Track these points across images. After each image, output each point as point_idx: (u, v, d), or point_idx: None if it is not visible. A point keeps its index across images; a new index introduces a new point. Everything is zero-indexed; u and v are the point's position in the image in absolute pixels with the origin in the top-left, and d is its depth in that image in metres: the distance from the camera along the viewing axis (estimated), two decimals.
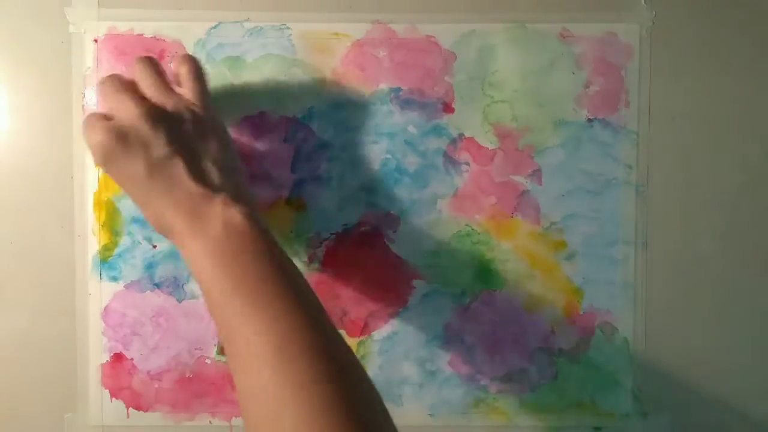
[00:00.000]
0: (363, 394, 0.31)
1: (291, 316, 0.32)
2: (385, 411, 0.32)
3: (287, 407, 0.29)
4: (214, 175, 0.36)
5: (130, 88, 0.37)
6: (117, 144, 0.35)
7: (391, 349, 0.44)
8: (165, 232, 0.36)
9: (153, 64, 0.38)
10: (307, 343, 0.31)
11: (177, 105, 0.37)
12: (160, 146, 0.35)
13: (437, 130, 0.44)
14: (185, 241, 0.34)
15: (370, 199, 0.44)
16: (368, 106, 0.44)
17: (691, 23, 0.44)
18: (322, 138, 0.44)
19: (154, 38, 0.43)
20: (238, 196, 0.36)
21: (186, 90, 0.38)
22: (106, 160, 0.35)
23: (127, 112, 0.35)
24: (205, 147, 0.37)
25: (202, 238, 0.34)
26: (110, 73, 0.38)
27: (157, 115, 0.35)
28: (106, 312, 0.44)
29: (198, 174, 0.35)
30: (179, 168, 0.35)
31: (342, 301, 0.44)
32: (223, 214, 0.34)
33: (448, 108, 0.44)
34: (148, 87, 0.37)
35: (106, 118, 0.36)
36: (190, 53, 0.42)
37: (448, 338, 0.45)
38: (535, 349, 0.45)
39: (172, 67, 0.40)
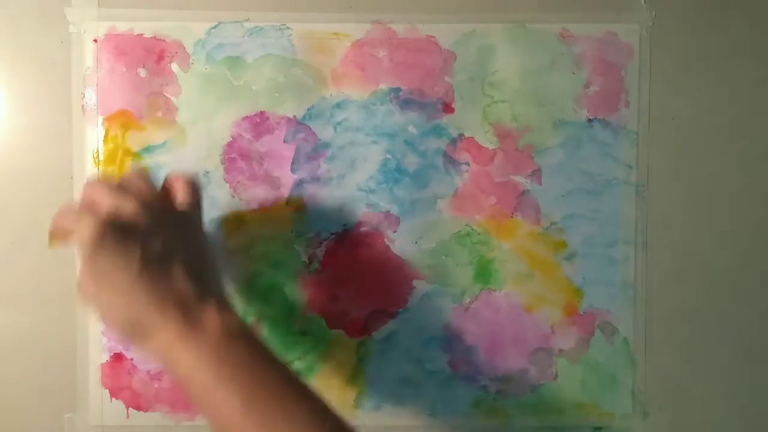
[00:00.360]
0: None
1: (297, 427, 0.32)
2: None
3: None
4: (206, 277, 0.36)
5: (126, 190, 0.36)
6: (112, 231, 0.33)
7: (391, 349, 0.44)
8: (139, 333, 0.34)
9: (145, 174, 0.37)
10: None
11: (174, 214, 0.36)
12: (158, 247, 0.34)
13: (437, 130, 0.44)
14: (172, 343, 0.33)
15: (370, 199, 0.44)
16: (368, 106, 0.44)
17: (691, 23, 0.44)
18: (322, 138, 0.44)
19: (154, 38, 0.43)
20: (226, 300, 0.36)
21: (180, 198, 0.37)
22: (96, 248, 0.33)
23: (129, 209, 0.34)
24: (199, 254, 0.36)
25: (195, 341, 0.33)
26: (98, 176, 0.37)
27: (158, 219, 0.35)
28: None
29: (192, 277, 0.34)
30: (176, 268, 0.34)
31: (342, 301, 0.44)
32: (220, 318, 0.34)
33: (448, 108, 0.44)
34: (146, 194, 0.36)
35: (97, 211, 0.34)
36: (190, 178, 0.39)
37: (448, 338, 0.45)
38: (535, 349, 0.45)
39: (168, 182, 0.38)
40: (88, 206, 0.35)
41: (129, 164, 0.44)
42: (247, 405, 0.32)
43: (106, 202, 0.35)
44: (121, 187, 0.35)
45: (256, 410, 0.32)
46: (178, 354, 0.33)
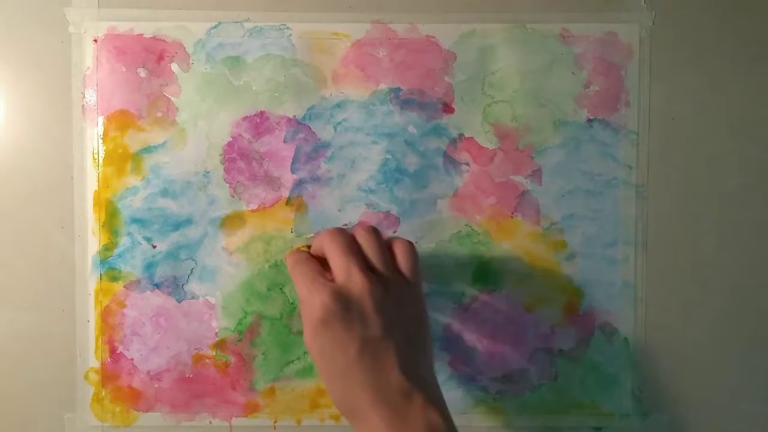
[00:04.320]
0: None
1: None
2: None
3: None
4: (420, 367, 0.35)
5: (358, 254, 0.36)
6: (340, 310, 0.33)
7: None
8: (350, 414, 0.34)
9: (378, 235, 0.37)
10: None
11: (397, 286, 0.36)
12: (378, 328, 0.34)
13: (437, 130, 0.44)
14: None
15: (370, 199, 0.44)
16: (368, 106, 0.44)
17: (691, 23, 0.44)
18: (322, 138, 0.44)
19: (154, 38, 0.43)
20: (436, 395, 0.34)
21: (403, 267, 0.37)
22: (324, 322, 0.33)
23: (358, 284, 0.34)
24: (415, 334, 0.36)
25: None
26: (337, 228, 0.37)
27: (382, 297, 0.34)
28: (105, 312, 0.44)
29: (405, 365, 0.34)
30: (390, 354, 0.34)
31: None
32: (425, 416, 0.32)
33: (448, 108, 0.44)
34: (375, 258, 0.36)
35: (329, 279, 0.35)
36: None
37: (448, 338, 0.45)
38: (535, 349, 0.45)
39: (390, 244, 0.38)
40: (317, 256, 0.36)
41: (129, 165, 0.44)
42: None
43: (337, 264, 0.35)
44: (353, 248, 0.35)
45: None
46: None
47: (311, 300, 0.34)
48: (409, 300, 0.36)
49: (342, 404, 0.34)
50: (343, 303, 0.34)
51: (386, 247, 0.37)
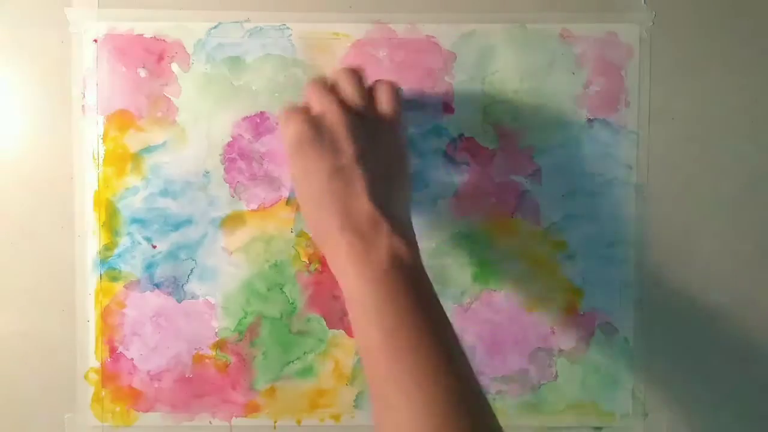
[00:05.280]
0: None
1: (443, 377, 0.31)
2: None
3: None
4: (392, 201, 0.36)
5: (335, 91, 0.37)
6: (313, 135, 0.35)
7: None
8: (322, 242, 0.36)
9: (356, 75, 0.38)
10: (458, 412, 0.30)
11: (375, 122, 0.37)
12: (349, 156, 0.35)
13: (437, 130, 0.44)
14: (345, 262, 0.34)
15: None
16: None
17: (691, 23, 0.44)
18: None
19: (154, 38, 0.43)
20: (404, 227, 0.35)
21: (383, 106, 0.38)
22: (297, 147, 0.35)
23: (331, 113, 0.36)
24: (389, 169, 0.37)
25: (363, 263, 0.33)
26: (319, 76, 0.39)
27: (355, 127, 0.36)
28: (105, 312, 0.44)
29: (374, 194, 0.35)
30: (360, 182, 0.35)
31: (342, 301, 0.44)
32: (389, 243, 0.34)
33: (448, 108, 0.44)
34: (351, 95, 0.37)
35: (306, 111, 0.37)
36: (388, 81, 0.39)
37: None
38: (535, 349, 0.45)
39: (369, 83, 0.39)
40: (303, 105, 0.37)
41: (129, 165, 0.44)
42: (385, 337, 0.32)
43: (315, 102, 0.37)
44: (331, 89, 0.37)
45: (391, 345, 0.32)
46: (344, 269, 0.34)
47: (287, 128, 0.36)
48: (386, 137, 0.37)
49: (315, 231, 0.36)
50: (316, 129, 0.35)
51: (366, 87, 0.38)
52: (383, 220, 0.34)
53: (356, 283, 0.33)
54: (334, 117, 0.36)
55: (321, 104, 0.36)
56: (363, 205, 0.34)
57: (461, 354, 0.33)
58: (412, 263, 0.34)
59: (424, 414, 0.30)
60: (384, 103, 0.38)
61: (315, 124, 0.36)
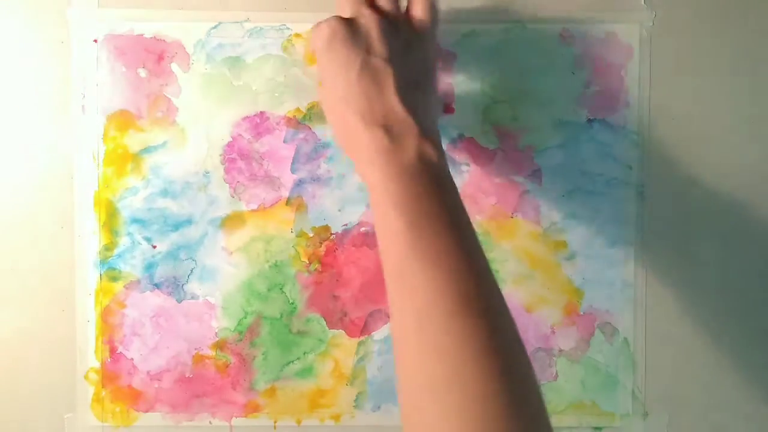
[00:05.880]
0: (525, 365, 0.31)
1: (463, 260, 0.31)
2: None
3: (467, 368, 0.29)
4: (418, 105, 0.35)
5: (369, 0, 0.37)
6: (345, 32, 0.35)
7: (391, 350, 0.44)
8: (346, 140, 0.36)
9: None
10: (478, 310, 0.30)
11: (408, 31, 0.37)
12: (380, 54, 0.35)
13: None
14: (373, 154, 0.34)
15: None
16: None
17: (691, 23, 0.44)
18: (322, 138, 0.44)
19: (154, 38, 0.43)
20: (433, 134, 0.35)
21: (418, 16, 0.37)
22: (328, 44, 0.35)
23: (364, 17, 0.36)
24: (419, 74, 0.37)
25: (391, 156, 0.33)
26: None
27: (389, 32, 0.36)
28: (105, 312, 0.44)
29: (404, 95, 0.35)
30: (389, 81, 0.35)
31: (342, 301, 0.44)
32: (419, 144, 0.34)
33: (448, 108, 0.44)
34: (385, 3, 0.37)
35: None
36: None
37: None
38: (535, 349, 0.45)
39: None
40: (336, 11, 0.37)
41: (129, 165, 0.44)
42: (407, 223, 0.32)
43: (347, 7, 0.36)
44: (365, 1, 0.37)
45: (413, 232, 0.32)
46: (371, 166, 0.34)
47: (318, 29, 0.36)
48: (417, 46, 0.37)
49: (341, 132, 0.36)
50: (350, 27, 0.35)
51: (398, 3, 0.38)
52: (413, 121, 0.34)
53: (382, 173, 0.33)
54: (367, 20, 0.36)
55: (353, 9, 0.36)
56: (393, 103, 0.35)
57: (481, 251, 0.33)
58: (441, 166, 0.34)
59: (441, 292, 0.30)
60: (419, 13, 0.37)
61: (348, 24, 0.35)
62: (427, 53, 0.38)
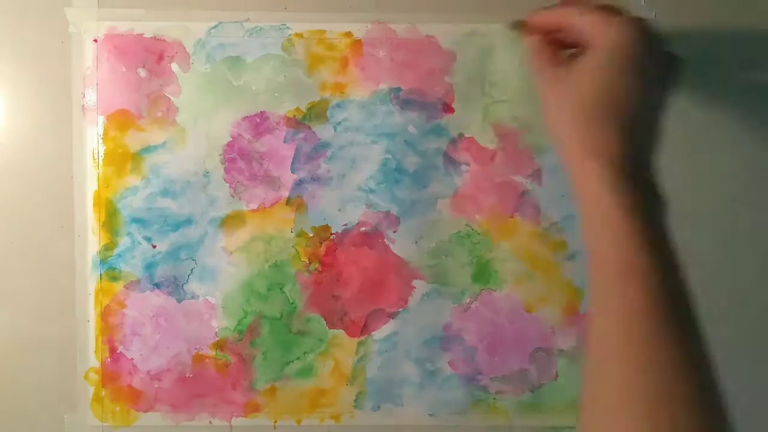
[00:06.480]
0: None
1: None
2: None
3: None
4: (650, 144, 0.35)
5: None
6: (645, 47, 0.34)
7: (391, 349, 0.44)
8: (583, 145, 0.34)
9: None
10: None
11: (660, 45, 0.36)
12: (658, 88, 0.35)
13: (437, 130, 0.44)
14: (626, 181, 0.33)
15: (370, 199, 0.44)
16: (368, 106, 0.44)
17: (691, 23, 0.44)
18: (322, 138, 0.44)
19: (154, 38, 0.43)
20: (652, 173, 0.35)
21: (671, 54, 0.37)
22: (632, 49, 0.34)
23: (639, 25, 0.34)
24: (656, 106, 0.36)
25: (652, 191, 0.34)
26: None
27: (656, 47, 0.35)
28: (105, 312, 0.44)
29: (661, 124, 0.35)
30: (663, 103, 0.35)
31: (342, 301, 0.44)
32: (649, 184, 0.34)
33: (448, 108, 0.44)
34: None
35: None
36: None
37: (448, 338, 0.45)
38: (535, 349, 0.45)
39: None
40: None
41: (129, 165, 0.44)
42: (642, 261, 0.32)
43: (602, 20, 0.35)
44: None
45: (642, 267, 0.32)
46: (621, 185, 0.33)
47: (626, 25, 0.34)
48: (662, 74, 0.36)
49: (586, 133, 0.34)
50: (648, 43, 0.34)
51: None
52: (645, 160, 0.34)
53: (636, 201, 0.33)
54: (644, 32, 0.34)
55: (635, 27, 0.34)
56: (658, 130, 0.35)
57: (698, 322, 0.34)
58: (665, 211, 0.34)
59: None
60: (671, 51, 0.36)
61: (648, 38, 0.34)
62: (670, 81, 0.37)
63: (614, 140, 0.33)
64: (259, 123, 0.44)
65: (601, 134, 0.34)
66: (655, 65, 0.34)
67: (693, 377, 0.30)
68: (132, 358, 0.44)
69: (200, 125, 0.44)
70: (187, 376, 0.44)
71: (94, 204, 0.44)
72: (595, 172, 0.33)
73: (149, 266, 0.44)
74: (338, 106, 0.44)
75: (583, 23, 0.35)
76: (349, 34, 0.44)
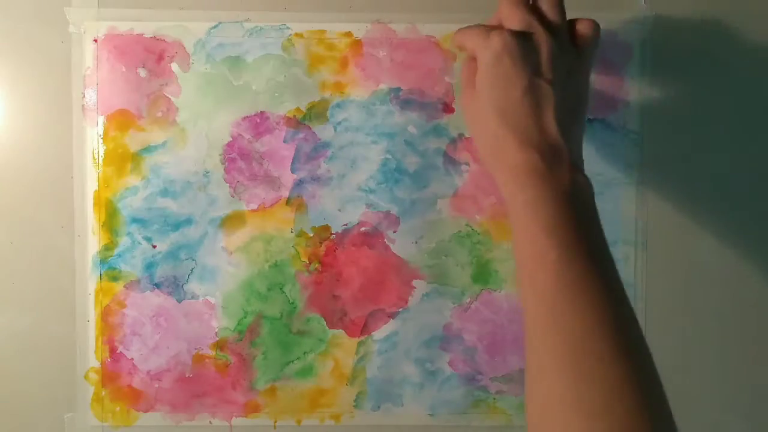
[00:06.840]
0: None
1: (613, 310, 0.31)
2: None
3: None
4: (572, 131, 0.35)
5: (537, 13, 0.36)
6: (518, 49, 0.34)
7: (391, 349, 0.44)
8: (493, 156, 0.35)
9: (560, 4, 0.37)
10: (628, 344, 0.31)
11: (572, 53, 0.36)
12: (546, 79, 0.34)
13: (437, 130, 0.44)
14: (524, 177, 0.34)
15: (370, 199, 0.44)
16: (368, 105, 0.44)
17: (691, 23, 0.44)
18: (322, 138, 0.44)
19: (154, 38, 0.43)
20: (581, 162, 0.36)
21: (582, 39, 0.37)
22: (499, 57, 0.34)
23: (538, 35, 0.35)
24: (575, 102, 0.36)
25: (546, 186, 0.33)
26: None
27: (556, 55, 0.35)
28: (105, 312, 0.44)
29: (561, 121, 0.35)
30: (550, 106, 0.34)
31: (342, 301, 0.44)
32: (572, 171, 0.34)
33: (448, 108, 0.44)
34: (555, 20, 0.36)
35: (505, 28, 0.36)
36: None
37: (448, 338, 0.45)
38: None
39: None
40: (496, 21, 0.37)
41: (129, 165, 0.44)
42: (562, 262, 0.32)
43: (518, 19, 0.35)
44: (533, 9, 0.36)
45: (568, 269, 0.32)
46: (521, 186, 0.34)
47: (489, 39, 0.35)
48: (577, 73, 0.36)
49: (486, 145, 0.36)
50: (523, 44, 0.34)
51: (563, 12, 0.37)
52: (566, 149, 0.34)
53: (534, 196, 0.33)
54: (539, 39, 0.35)
55: (528, 23, 0.35)
56: (551, 128, 0.34)
57: (620, 279, 0.33)
58: (591, 195, 0.34)
59: (595, 321, 0.31)
60: (585, 29, 0.37)
61: (521, 41, 0.34)
62: (585, 82, 0.37)
63: (510, 149, 0.34)
64: (259, 123, 0.44)
65: (498, 144, 0.35)
66: (541, 63, 0.35)
67: (640, 398, 0.31)
68: (132, 358, 0.44)
69: (200, 125, 0.44)
70: (187, 376, 0.44)
71: (94, 204, 0.44)
72: (501, 182, 0.35)
73: (149, 266, 0.44)
74: (338, 106, 0.44)
75: (464, 42, 0.37)
76: (349, 34, 0.44)
